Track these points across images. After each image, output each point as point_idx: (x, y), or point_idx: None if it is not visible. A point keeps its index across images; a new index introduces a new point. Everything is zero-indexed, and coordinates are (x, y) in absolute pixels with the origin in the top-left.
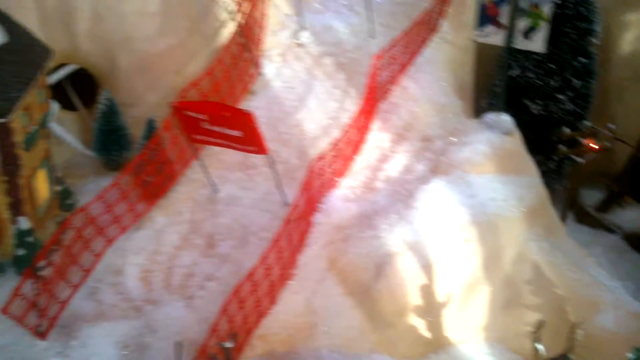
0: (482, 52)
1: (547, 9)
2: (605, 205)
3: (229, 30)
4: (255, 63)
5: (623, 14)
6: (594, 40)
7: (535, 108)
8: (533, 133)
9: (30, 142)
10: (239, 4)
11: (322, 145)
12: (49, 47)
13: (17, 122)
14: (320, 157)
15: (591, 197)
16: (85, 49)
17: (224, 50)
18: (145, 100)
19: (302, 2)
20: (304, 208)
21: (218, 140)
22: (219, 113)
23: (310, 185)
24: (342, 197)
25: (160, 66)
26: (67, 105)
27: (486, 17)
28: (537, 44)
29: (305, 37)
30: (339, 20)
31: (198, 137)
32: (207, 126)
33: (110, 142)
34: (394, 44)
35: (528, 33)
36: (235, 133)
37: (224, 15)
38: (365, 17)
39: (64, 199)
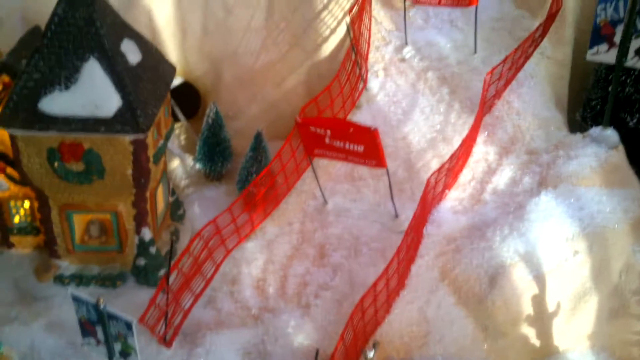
0: (578, 67)
1: None
2: None
3: (329, 45)
4: (362, 78)
5: None
6: None
7: (632, 122)
8: (631, 146)
9: (158, 156)
10: (353, 22)
11: (429, 157)
12: (173, 65)
13: (150, 137)
14: (438, 171)
15: None
16: (192, 62)
17: (340, 67)
18: (246, 112)
19: (404, 18)
20: (419, 220)
21: (338, 155)
22: (343, 129)
23: (426, 199)
24: (451, 209)
25: (262, 79)
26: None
27: (600, 37)
28: None
29: (408, 52)
30: (441, 36)
31: (319, 151)
32: (329, 141)
33: (215, 153)
34: (504, 61)
35: None
36: (357, 148)
37: (324, 30)
38: (467, 33)
39: (175, 209)
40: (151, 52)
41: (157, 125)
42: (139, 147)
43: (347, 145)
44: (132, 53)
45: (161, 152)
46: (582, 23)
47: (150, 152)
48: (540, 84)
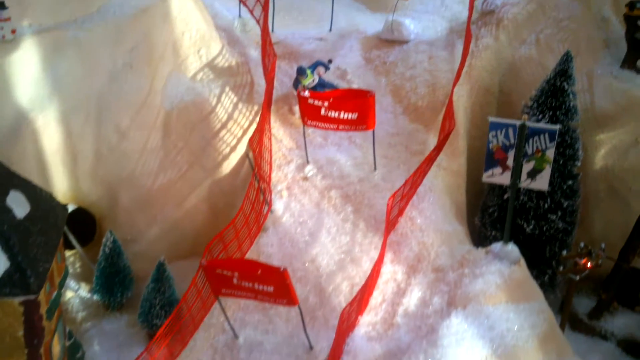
0: (473, 175)
1: (550, 154)
2: (596, 312)
3: (230, 162)
4: (266, 202)
5: (596, 135)
6: (577, 162)
7: (529, 228)
8: (528, 250)
9: (52, 309)
10: (251, 143)
11: (339, 280)
12: (64, 205)
13: (42, 294)
14: (351, 303)
15: (582, 304)
16: (85, 188)
17: (245, 198)
18: (146, 234)
19: (304, 136)
20: (335, 354)
21: (247, 294)
22: (251, 270)
23: (342, 333)
24: (365, 335)
25: (161, 200)
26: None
27: (493, 160)
28: (541, 183)
29: (310, 170)
30: (340, 153)
31: (227, 291)
32: (237, 282)
33: (114, 284)
34: (404, 185)
35: (532, 174)
36: (267, 288)
37: (224, 148)
38: (366, 150)
39: (73, 353)
40: (40, 198)
41: (49, 278)
42: (31, 308)
43: (256, 286)
44: (19, 206)
45: (55, 305)
46: (472, 130)
47: (43, 309)
48: (440, 197)
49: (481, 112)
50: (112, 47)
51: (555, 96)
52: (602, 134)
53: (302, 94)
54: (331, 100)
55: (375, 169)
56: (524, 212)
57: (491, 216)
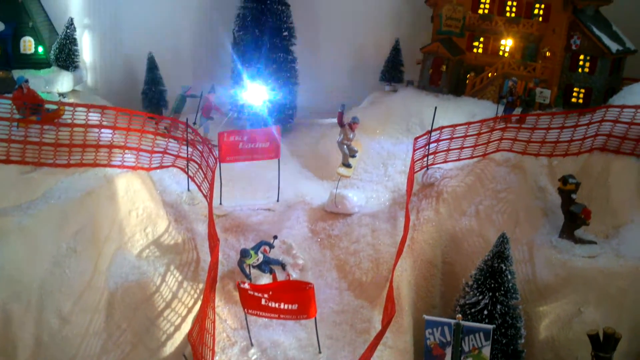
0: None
1: (486, 351)
2: None
3: (174, 341)
4: None
5: (539, 305)
6: (521, 340)
7: None
8: None
9: None
10: (190, 336)
11: None
12: None
13: None
14: None
15: None
16: None
17: None
18: None
19: (245, 319)
20: None
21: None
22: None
23: None
24: None
25: None
26: None
27: (432, 356)
28: None
29: (254, 354)
30: (285, 334)
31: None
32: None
33: None
34: None
35: None
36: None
37: (168, 327)
38: (311, 330)
39: None
40: None
41: None
42: None
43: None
44: None
45: None
46: (418, 302)
47: None
48: None
49: (425, 284)
50: (56, 232)
51: (493, 277)
52: (545, 305)
53: (241, 285)
54: (271, 292)
55: (320, 351)
56: None
57: None
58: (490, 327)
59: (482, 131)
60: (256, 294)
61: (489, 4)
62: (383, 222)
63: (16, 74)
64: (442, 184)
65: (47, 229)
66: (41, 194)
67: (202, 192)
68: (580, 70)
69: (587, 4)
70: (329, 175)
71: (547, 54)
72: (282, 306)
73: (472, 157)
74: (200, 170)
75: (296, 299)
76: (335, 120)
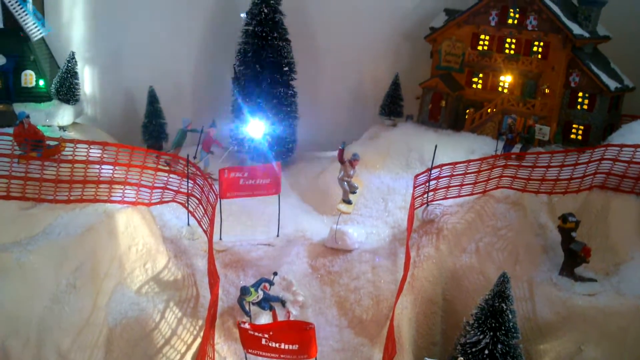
0: None
1: None
2: None
3: None
4: None
5: (540, 343)
6: None
7: None
8: None
9: None
10: None
11: None
12: None
13: None
14: None
15: None
16: None
17: None
18: None
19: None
20: None
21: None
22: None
23: None
24: None
25: None
26: None
27: None
28: None
29: None
30: None
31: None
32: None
33: None
34: None
35: None
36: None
37: None
38: None
39: None
40: None
41: None
42: None
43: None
44: None
45: None
46: (419, 340)
47: None
48: None
49: (426, 321)
50: (56, 269)
51: (494, 317)
52: (545, 343)
53: (242, 325)
54: (271, 333)
55: None
56: None
57: None
58: None
59: (482, 168)
60: (257, 333)
61: (488, 41)
62: (384, 258)
63: (17, 107)
64: (443, 221)
65: (47, 266)
66: (41, 230)
67: (202, 227)
68: (579, 107)
69: (586, 42)
70: (329, 210)
71: (546, 90)
72: (282, 346)
73: (472, 194)
74: (200, 206)
75: (297, 339)
76: (335, 153)
